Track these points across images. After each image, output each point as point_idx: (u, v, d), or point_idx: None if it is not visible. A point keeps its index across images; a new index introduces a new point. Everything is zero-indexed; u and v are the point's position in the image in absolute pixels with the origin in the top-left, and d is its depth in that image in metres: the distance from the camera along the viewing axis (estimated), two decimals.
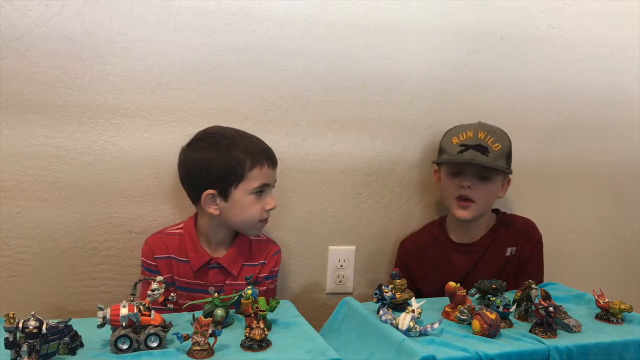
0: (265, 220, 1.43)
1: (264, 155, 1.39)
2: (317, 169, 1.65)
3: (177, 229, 1.46)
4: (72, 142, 1.46)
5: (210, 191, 1.36)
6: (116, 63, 1.46)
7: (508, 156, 1.58)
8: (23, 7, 1.38)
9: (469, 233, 1.64)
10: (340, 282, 1.71)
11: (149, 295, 1.07)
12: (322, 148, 1.64)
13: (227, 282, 1.43)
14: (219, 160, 1.36)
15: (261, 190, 1.38)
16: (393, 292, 1.26)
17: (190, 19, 1.50)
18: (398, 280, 1.31)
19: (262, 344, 1.04)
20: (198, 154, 1.38)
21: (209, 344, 1.00)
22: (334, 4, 1.59)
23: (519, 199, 1.83)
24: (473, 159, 1.53)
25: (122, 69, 1.47)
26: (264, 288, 1.46)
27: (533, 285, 1.27)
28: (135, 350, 1.01)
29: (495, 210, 1.70)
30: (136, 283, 1.12)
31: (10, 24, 1.38)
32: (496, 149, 1.54)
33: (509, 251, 1.61)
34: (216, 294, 1.15)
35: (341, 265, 1.70)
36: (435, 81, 1.70)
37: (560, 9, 1.78)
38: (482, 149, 1.53)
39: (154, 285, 1.08)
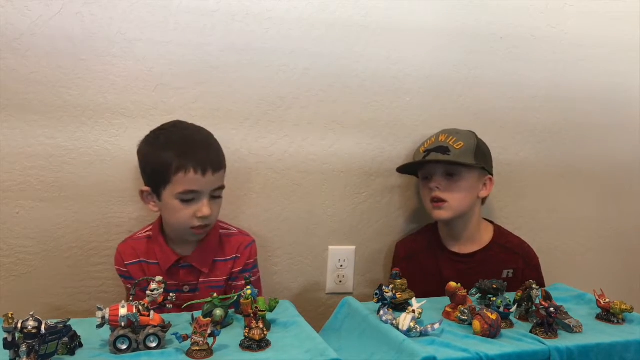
0: (199, 228, 1.34)
1: (193, 160, 1.28)
2: (317, 169, 1.64)
3: (145, 232, 1.44)
4: (72, 142, 1.46)
5: (146, 188, 1.35)
6: (116, 63, 1.46)
7: (477, 153, 1.56)
8: (23, 7, 1.39)
9: (461, 240, 1.63)
10: (340, 282, 1.71)
11: (148, 296, 1.07)
12: (322, 148, 1.64)
13: (200, 280, 1.41)
14: (151, 159, 1.33)
15: (189, 198, 1.30)
16: (394, 292, 1.26)
17: (190, 19, 1.50)
18: (399, 280, 1.31)
19: (261, 344, 1.04)
20: (142, 148, 1.37)
21: (208, 344, 1.00)
22: (334, 4, 1.59)
23: (519, 198, 1.83)
24: (433, 159, 1.54)
25: (122, 69, 1.47)
26: (242, 282, 1.43)
27: (534, 286, 1.26)
28: (134, 350, 1.01)
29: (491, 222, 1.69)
30: (135, 283, 1.12)
31: (10, 24, 1.38)
32: (458, 147, 1.54)
33: (505, 273, 1.60)
34: (215, 294, 1.15)
35: (341, 265, 1.70)
36: (435, 81, 1.70)
37: (560, 9, 1.77)
38: (443, 150, 1.54)
39: (153, 286, 1.08)
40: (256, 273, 1.49)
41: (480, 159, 1.57)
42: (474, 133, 1.60)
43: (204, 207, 1.31)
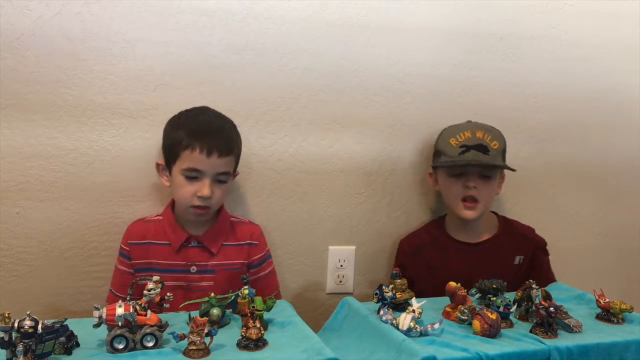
0: (198, 208, 1.39)
1: (200, 140, 1.35)
2: (317, 169, 1.64)
3: (156, 215, 1.49)
4: (72, 142, 1.46)
5: (160, 161, 1.44)
6: (116, 63, 1.46)
7: (504, 153, 1.60)
8: (23, 7, 1.39)
9: (470, 231, 1.64)
10: (340, 282, 1.71)
11: (145, 295, 1.07)
12: (322, 148, 1.64)
13: (214, 262, 1.44)
14: (168, 135, 1.42)
15: (192, 176, 1.37)
16: (393, 292, 1.26)
17: (190, 19, 1.50)
18: (398, 280, 1.30)
19: (258, 344, 1.04)
20: (166, 125, 1.45)
21: (205, 343, 1.00)
22: (334, 4, 1.59)
23: (519, 198, 1.82)
24: (476, 159, 1.53)
25: (122, 69, 1.47)
26: (271, 268, 1.53)
27: (534, 285, 1.26)
28: (131, 350, 1.01)
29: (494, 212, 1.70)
30: (133, 283, 1.12)
31: (10, 24, 1.39)
32: (495, 147, 1.55)
33: (517, 259, 1.61)
34: (212, 294, 1.15)
35: (341, 265, 1.70)
36: (435, 81, 1.70)
37: (560, 9, 1.77)
38: (483, 149, 1.54)
39: (151, 285, 1.08)
40: (272, 263, 1.55)
41: (505, 159, 1.59)
42: (499, 131, 1.61)
43: (204, 188, 1.36)
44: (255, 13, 1.54)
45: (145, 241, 1.43)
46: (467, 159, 1.53)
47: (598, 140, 1.88)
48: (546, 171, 1.84)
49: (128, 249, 1.43)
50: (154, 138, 1.50)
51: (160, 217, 1.47)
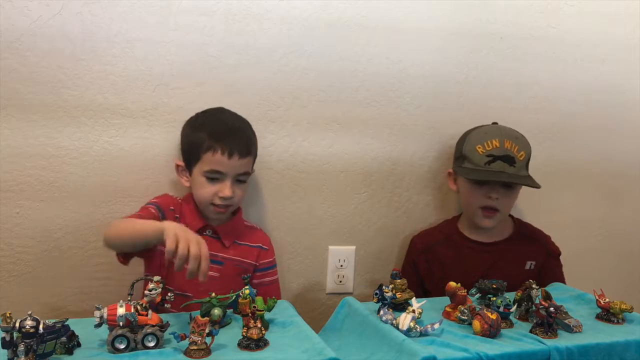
0: (219, 207, 1.41)
1: (222, 142, 1.38)
2: (317, 169, 1.64)
3: (177, 197, 1.51)
4: (72, 142, 1.46)
5: (180, 162, 1.46)
6: (116, 63, 1.46)
7: (528, 162, 1.58)
8: (23, 7, 1.39)
9: (484, 232, 1.63)
10: (340, 282, 1.71)
11: (146, 295, 1.07)
12: (322, 148, 1.64)
13: (226, 255, 1.45)
14: (188, 137, 1.45)
15: (213, 177, 1.39)
16: (393, 292, 1.26)
17: (190, 19, 1.50)
18: (398, 280, 1.30)
19: (259, 344, 1.04)
20: (184, 127, 1.48)
21: (206, 343, 1.00)
22: (334, 4, 1.59)
23: (519, 200, 1.81)
24: (502, 171, 1.52)
25: (122, 69, 1.47)
26: (276, 277, 1.54)
27: (534, 286, 1.26)
28: (132, 350, 1.01)
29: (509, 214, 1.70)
30: (134, 282, 1.12)
31: (10, 24, 1.38)
32: (521, 158, 1.54)
33: (528, 265, 1.61)
34: (213, 294, 1.15)
35: (341, 265, 1.70)
36: (435, 81, 1.70)
37: (560, 9, 1.78)
38: (510, 160, 1.53)
39: (151, 285, 1.08)
40: (277, 272, 1.56)
41: (528, 167, 1.59)
42: (525, 137, 1.60)
43: (225, 188, 1.39)
44: (255, 13, 1.54)
45: (175, 215, 1.45)
46: (493, 169, 1.52)
47: (598, 140, 1.88)
48: (546, 172, 1.82)
49: (164, 209, 1.43)
50: (154, 138, 1.51)
51: (181, 200, 1.48)
